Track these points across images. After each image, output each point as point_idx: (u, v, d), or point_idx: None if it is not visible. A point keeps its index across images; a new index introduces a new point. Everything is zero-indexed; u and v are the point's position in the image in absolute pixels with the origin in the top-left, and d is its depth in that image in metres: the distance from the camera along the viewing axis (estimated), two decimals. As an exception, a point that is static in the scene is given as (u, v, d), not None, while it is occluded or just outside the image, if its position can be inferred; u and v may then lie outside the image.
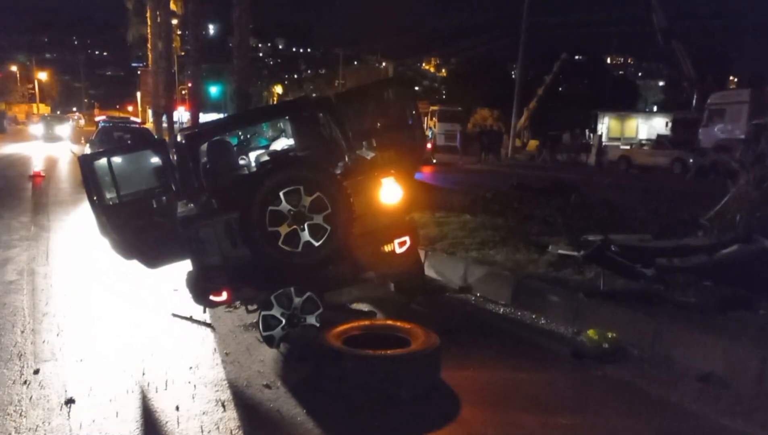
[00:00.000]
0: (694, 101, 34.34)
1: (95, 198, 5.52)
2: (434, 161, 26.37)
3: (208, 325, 5.49)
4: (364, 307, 5.80)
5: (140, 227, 5.61)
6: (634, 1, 40.79)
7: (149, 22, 31.05)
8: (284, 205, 4.76)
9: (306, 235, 4.82)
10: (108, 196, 5.61)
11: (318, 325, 4.91)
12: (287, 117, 6.42)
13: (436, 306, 6.03)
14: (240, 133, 7.19)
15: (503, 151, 32.83)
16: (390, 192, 5.22)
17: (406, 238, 5.28)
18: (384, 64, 64.14)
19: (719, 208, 7.67)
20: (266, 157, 5.93)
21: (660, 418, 3.80)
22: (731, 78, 47.58)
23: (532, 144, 37.35)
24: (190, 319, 5.63)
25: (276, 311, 4.91)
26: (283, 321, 4.90)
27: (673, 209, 9.93)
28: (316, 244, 4.83)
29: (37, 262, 7.74)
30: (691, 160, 25.35)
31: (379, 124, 6.21)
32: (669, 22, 33.10)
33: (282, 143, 6.83)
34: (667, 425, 3.71)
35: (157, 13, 29.80)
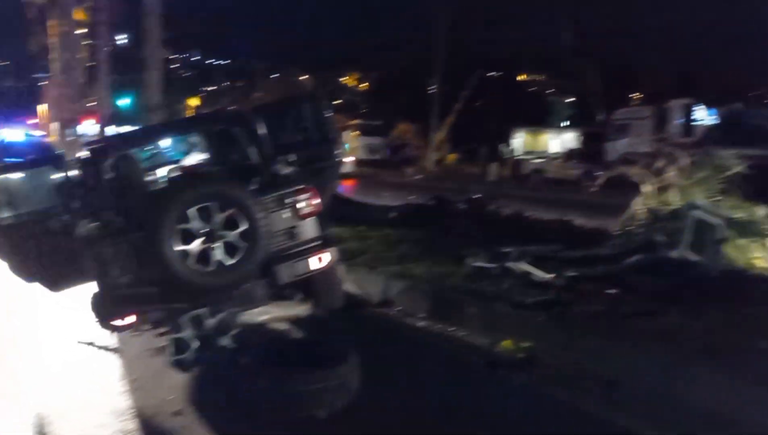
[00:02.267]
0: (601, 116, 36.27)
1: (-10, 218, 5.14)
2: (356, 175, 26.47)
3: (115, 350, 5.21)
4: (283, 325, 5.67)
5: (41, 247, 5.28)
6: (545, 20, 42.76)
7: (52, 32, 29.51)
8: (195, 223, 4.60)
9: (219, 254, 4.67)
10: (4, 215, 5.24)
11: (234, 345, 4.75)
12: (201, 131, 6.22)
13: (357, 321, 5.99)
14: (150, 148, 6.91)
15: (424, 164, 33.39)
16: (308, 207, 5.15)
17: (325, 254, 5.21)
18: (304, 77, 63.89)
19: (624, 219, 8.08)
20: (177, 173, 5.72)
21: (569, 423, 3.91)
22: (634, 95, 50.52)
23: (451, 157, 38.19)
24: (95, 344, 5.32)
25: (187, 334, 4.71)
26: (196, 343, 4.71)
27: (582, 220, 10.36)
28: (231, 262, 4.69)
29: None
30: (598, 173, 26.65)
31: (296, 139, 6.14)
32: (576, 40, 34.86)
33: (195, 158, 6.62)
34: (576, 431, 3.83)
35: (61, 22, 28.37)
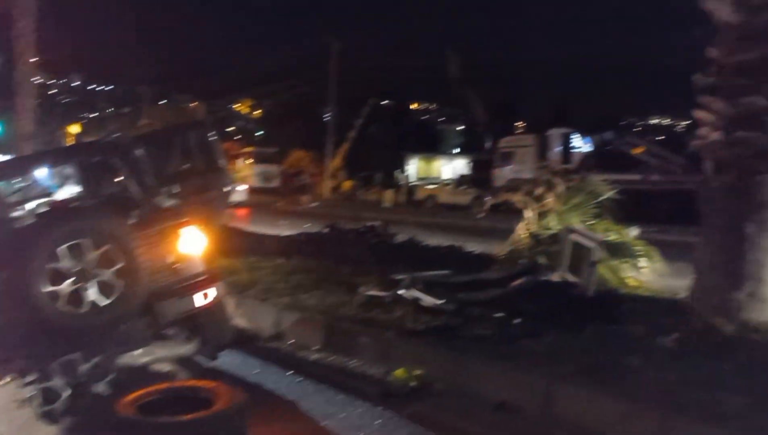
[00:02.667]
0: (487, 144, 38.03)
1: None
2: (249, 204, 25.96)
3: (-26, 404, 4.69)
4: (166, 367, 5.37)
5: None
6: (433, 52, 44.37)
7: None
8: (66, 262, 4.28)
9: (93, 294, 4.36)
10: None
11: (109, 392, 4.43)
12: (76, 161, 5.82)
13: (247, 358, 5.80)
14: (18, 180, 6.39)
15: (319, 191, 33.38)
16: (191, 241, 4.94)
17: (211, 290, 5.01)
18: (194, 104, 62.18)
19: (509, 243, 8.44)
20: (46, 207, 5.31)
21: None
22: (518, 123, 53.47)
23: (347, 184, 38.44)
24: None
25: (57, 381, 4.33)
26: (67, 392, 4.35)
27: (472, 245, 10.70)
28: (106, 302, 4.39)
29: None
30: (486, 199, 27.85)
31: (180, 169, 5.92)
32: (462, 72, 36.39)
33: (69, 191, 6.19)
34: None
35: None
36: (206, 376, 4.69)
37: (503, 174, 28.32)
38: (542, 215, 8.25)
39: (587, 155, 26.03)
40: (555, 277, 6.66)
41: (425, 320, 5.95)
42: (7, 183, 6.01)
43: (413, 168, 42.49)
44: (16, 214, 5.41)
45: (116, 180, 5.39)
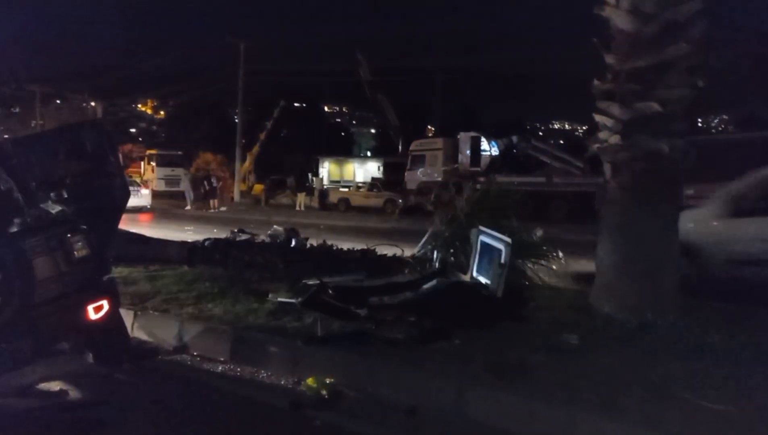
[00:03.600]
0: (399, 147, 38.49)
1: None
2: (152, 209, 24.85)
3: None
4: (55, 385, 4.95)
5: None
6: (346, 55, 44.39)
7: None
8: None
9: (-34, 310, 3.94)
10: None
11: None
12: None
13: (146, 373, 5.44)
14: None
15: (228, 196, 32.49)
16: (81, 249, 4.58)
17: (104, 302, 4.67)
18: (93, 104, 58.97)
19: (421, 246, 8.47)
20: None
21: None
22: (429, 127, 54.45)
23: (258, 188, 37.67)
24: None
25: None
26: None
27: (384, 248, 10.68)
28: (-18, 319, 3.98)
29: None
30: (399, 201, 28.16)
31: (70, 173, 5.49)
32: (373, 75, 36.62)
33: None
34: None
35: None
36: (104, 392, 4.35)
37: (414, 177, 28.73)
38: (452, 217, 8.32)
39: (494, 158, 26.87)
40: (466, 278, 6.72)
41: (337, 326, 5.82)
42: None
43: (326, 171, 42.29)
44: None
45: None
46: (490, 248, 6.58)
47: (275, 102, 41.51)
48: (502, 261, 6.09)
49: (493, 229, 6.79)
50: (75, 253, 4.52)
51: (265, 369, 5.42)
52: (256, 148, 39.53)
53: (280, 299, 6.64)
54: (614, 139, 5.98)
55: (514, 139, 26.74)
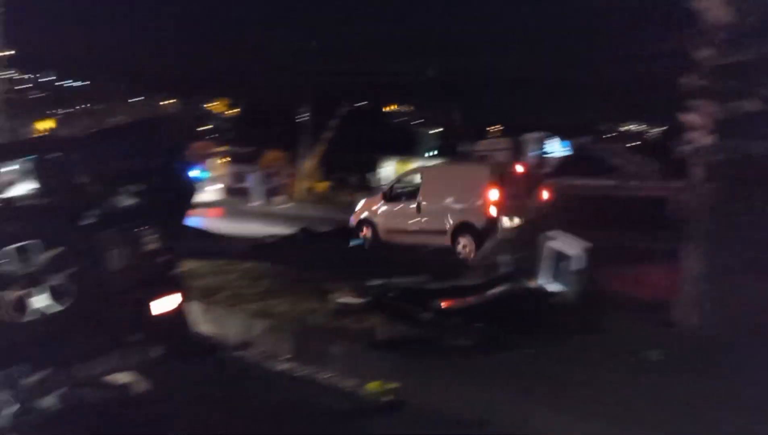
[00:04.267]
0: (463, 147, 37.98)
1: None
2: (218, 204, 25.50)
3: None
4: (123, 376, 5.03)
5: None
6: (415, 55, 44.27)
7: None
8: (11, 265, 3.93)
9: (43, 300, 4.02)
10: None
11: (60, 406, 4.08)
12: (26, 157, 5.41)
13: (210, 368, 5.46)
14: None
15: (294, 192, 32.96)
16: (153, 243, 4.61)
17: (172, 296, 4.69)
18: (168, 101, 61.25)
19: (485, 249, 8.23)
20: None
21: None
22: (494, 127, 53.59)
23: (322, 185, 38.01)
24: None
25: (3, 395, 3.97)
26: (12, 406, 3.98)
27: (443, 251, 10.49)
28: (57, 309, 4.05)
29: None
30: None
31: (142, 168, 5.57)
32: (441, 74, 36.35)
33: (22, 188, 5.77)
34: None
35: None
36: (169, 387, 4.37)
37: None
38: (521, 221, 8.06)
39: (564, 160, 26.05)
40: (534, 284, 6.45)
41: (400, 330, 5.69)
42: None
43: (389, 170, 42.23)
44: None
45: (73, 177, 5.01)
46: (561, 254, 6.29)
47: (341, 101, 41.79)
48: (575, 268, 5.81)
49: (563, 233, 6.49)
50: (146, 246, 4.56)
51: (327, 370, 5.34)
52: (321, 147, 39.90)
53: (342, 300, 6.56)
54: (708, 139, 5.51)
55: (587, 139, 25.88)
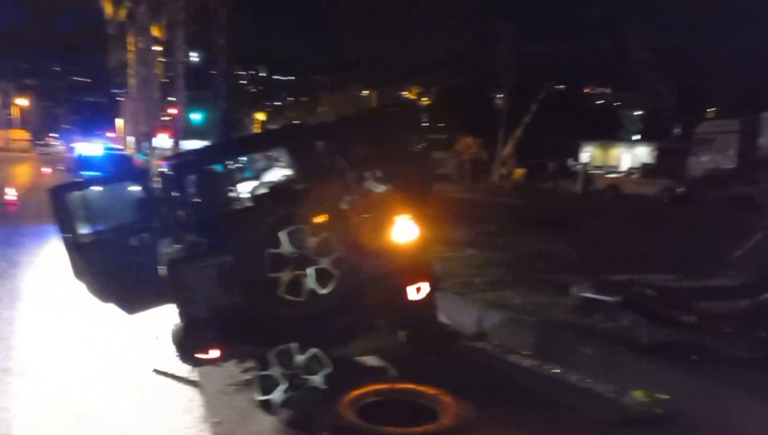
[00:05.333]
0: (674, 130, 34.55)
1: (68, 236, 4.85)
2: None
3: (195, 383, 4.76)
4: (373, 361, 5.12)
5: (118, 268, 4.95)
6: (613, 31, 41.23)
7: (131, 48, 30.46)
8: (286, 247, 4.12)
9: (311, 282, 4.17)
10: (82, 232, 4.95)
11: (325, 387, 4.22)
12: (285, 144, 5.73)
13: (451, 358, 5.37)
14: (231, 163, 6.52)
15: (490, 179, 32.59)
16: (406, 230, 4.58)
17: (425, 283, 4.63)
18: (365, 92, 64.10)
19: (749, 246, 7.16)
20: (262, 190, 5.24)
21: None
22: (709, 108, 48.07)
23: (518, 172, 37.11)
24: (174, 376, 4.89)
25: (275, 371, 4.21)
26: (284, 382, 4.20)
27: (680, 243, 9.43)
28: (323, 291, 4.18)
29: (2, 304, 6.94)
30: (680, 190, 25.24)
31: (384, 153, 5.63)
32: (647, 52, 33.33)
33: (275, 174, 6.17)
34: None
35: (139, 39, 29.22)
36: (412, 374, 4.33)
37: (699, 163, 25.44)
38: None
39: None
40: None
41: (659, 334, 5.09)
42: (223, 166, 6.13)
43: (588, 156, 40.00)
44: (234, 196, 5.46)
45: (325, 163, 5.18)
46: None
47: (539, 84, 40.30)
48: None
49: None
50: (401, 231, 4.54)
51: (576, 372, 4.96)
52: (518, 132, 38.86)
53: (585, 295, 6.09)
54: None
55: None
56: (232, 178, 6.27)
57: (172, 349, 4.53)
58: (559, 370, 5.03)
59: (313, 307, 4.18)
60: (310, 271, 4.16)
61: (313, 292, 4.17)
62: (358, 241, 4.33)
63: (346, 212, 4.51)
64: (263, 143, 5.88)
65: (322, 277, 4.19)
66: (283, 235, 4.13)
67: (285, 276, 4.12)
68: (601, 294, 6.01)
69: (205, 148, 7.11)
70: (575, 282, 6.71)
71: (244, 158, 6.83)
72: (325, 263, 4.20)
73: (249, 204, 5.07)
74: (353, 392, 3.73)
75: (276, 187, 5.09)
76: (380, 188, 4.94)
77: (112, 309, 5.11)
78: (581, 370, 4.95)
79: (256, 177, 6.59)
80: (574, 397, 4.58)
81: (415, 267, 4.64)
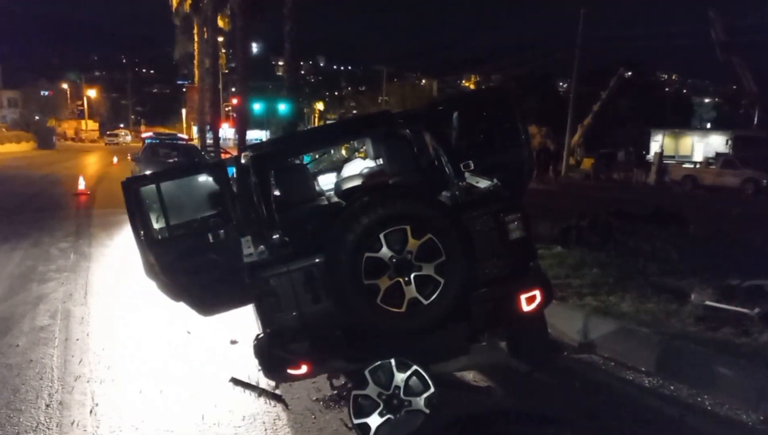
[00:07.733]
0: (756, 118, 32.39)
1: (141, 232, 4.48)
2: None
3: (278, 397, 4.33)
4: (475, 377, 4.58)
5: (193, 266, 4.55)
6: (690, 15, 39.00)
7: (196, 39, 30.75)
8: (385, 251, 3.60)
9: (412, 291, 3.64)
10: (156, 228, 4.58)
11: (428, 411, 3.70)
12: (374, 133, 5.20)
13: (559, 373, 4.77)
14: (314, 155, 6.05)
15: (558, 169, 31.37)
16: (516, 230, 3.97)
17: (536, 292, 4.02)
18: (424, 81, 63.31)
19: None
20: (350, 184, 4.73)
21: None
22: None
23: (587, 162, 35.65)
24: (255, 387, 4.49)
25: (371, 391, 3.71)
26: (381, 404, 3.70)
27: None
28: (426, 302, 3.65)
29: (74, 301, 6.76)
30: (765, 181, 23.63)
31: (481, 143, 5.05)
32: (728, 36, 31.25)
33: (356, 166, 5.63)
34: None
35: (204, 29, 29.43)
36: (523, 391, 3.76)
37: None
38: None
39: None
40: None
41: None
42: (306, 158, 5.68)
43: (659, 145, 38.06)
44: (320, 191, 4.99)
45: (420, 155, 4.64)
46: None
47: (609, 71, 38.57)
48: None
49: None
50: (510, 233, 3.95)
51: (710, 394, 4.28)
52: (588, 120, 37.31)
53: (708, 302, 5.36)
54: None
55: None
56: (312, 171, 5.82)
57: (249, 353, 4.10)
58: (686, 391, 4.35)
59: (415, 319, 3.65)
60: (412, 277, 3.63)
61: (415, 302, 3.64)
62: (467, 245, 3.75)
63: (449, 210, 3.94)
64: (351, 133, 5.35)
65: (425, 285, 3.66)
66: (383, 237, 3.61)
67: (384, 283, 3.61)
68: (727, 302, 5.28)
69: (289, 137, 6.64)
70: (691, 287, 5.98)
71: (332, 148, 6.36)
72: (428, 269, 3.66)
73: (337, 200, 4.59)
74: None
75: (372, 181, 4.56)
76: (483, 182, 4.36)
77: (183, 308, 4.75)
78: (713, 392, 4.27)
79: (333, 170, 6.11)
80: (715, 428, 3.90)
81: (524, 272, 4.04)
